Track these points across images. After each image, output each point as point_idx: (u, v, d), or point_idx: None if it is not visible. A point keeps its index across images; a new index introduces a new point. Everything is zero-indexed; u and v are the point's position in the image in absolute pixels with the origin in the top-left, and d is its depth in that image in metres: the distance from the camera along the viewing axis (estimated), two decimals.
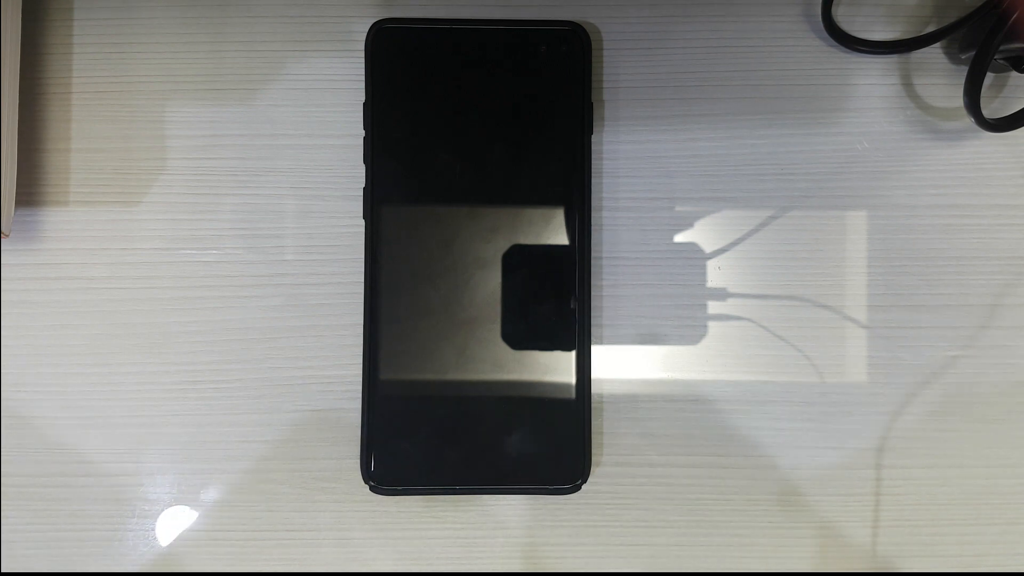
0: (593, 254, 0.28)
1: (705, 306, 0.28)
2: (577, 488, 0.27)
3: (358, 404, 0.27)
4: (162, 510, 0.28)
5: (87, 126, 0.28)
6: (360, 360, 0.27)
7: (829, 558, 0.28)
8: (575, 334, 0.27)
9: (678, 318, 0.28)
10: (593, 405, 0.28)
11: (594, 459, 0.28)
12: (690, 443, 0.28)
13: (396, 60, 0.27)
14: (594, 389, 0.28)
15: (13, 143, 0.27)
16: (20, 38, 0.27)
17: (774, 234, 0.29)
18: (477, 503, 0.28)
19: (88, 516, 0.28)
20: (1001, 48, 0.26)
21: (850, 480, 0.28)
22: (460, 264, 0.27)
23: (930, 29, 0.28)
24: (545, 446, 0.27)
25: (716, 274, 0.28)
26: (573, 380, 0.27)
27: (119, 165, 0.28)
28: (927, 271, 0.29)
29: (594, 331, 0.28)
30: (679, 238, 0.29)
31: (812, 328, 0.28)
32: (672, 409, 0.28)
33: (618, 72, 0.29)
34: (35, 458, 0.28)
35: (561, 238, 0.27)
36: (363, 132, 0.28)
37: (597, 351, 0.28)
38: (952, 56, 0.29)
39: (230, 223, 0.28)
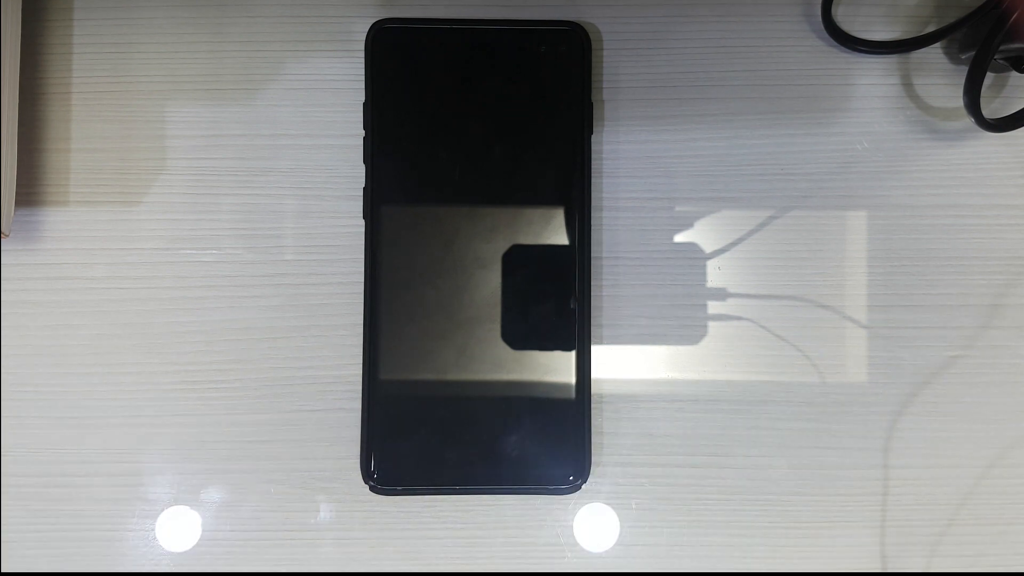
0: (593, 254, 0.28)
1: (705, 306, 0.28)
2: (577, 488, 0.27)
3: (358, 404, 0.27)
4: (162, 510, 0.28)
5: (87, 126, 0.28)
6: (360, 360, 0.27)
7: (829, 558, 0.28)
8: (575, 334, 0.27)
9: (678, 318, 0.28)
10: (593, 405, 0.28)
11: (594, 459, 0.28)
12: (690, 443, 0.28)
13: (396, 60, 0.27)
14: (594, 389, 0.28)
15: (13, 143, 0.27)
16: (20, 38, 0.27)
17: (774, 234, 0.29)
18: (477, 503, 0.28)
19: (88, 516, 0.28)
20: (1001, 48, 0.26)
21: (850, 480, 0.28)
22: (460, 264, 0.27)
23: (930, 29, 0.28)
24: (545, 446, 0.27)
25: (716, 274, 0.28)
26: (573, 380, 0.27)
27: (119, 165, 0.28)
28: (927, 271, 0.29)
29: (594, 331, 0.28)
30: (679, 238, 0.29)
31: (812, 328, 0.28)
32: (672, 409, 0.28)
33: (618, 72, 0.29)
34: (35, 458, 0.28)
35: (561, 238, 0.27)
36: (363, 132, 0.28)
37: (597, 351, 0.28)
38: (952, 56, 0.29)
39: (230, 223, 0.28)
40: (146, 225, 0.28)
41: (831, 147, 0.29)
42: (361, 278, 0.28)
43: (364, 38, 0.28)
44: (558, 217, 0.27)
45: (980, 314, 0.29)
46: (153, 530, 0.28)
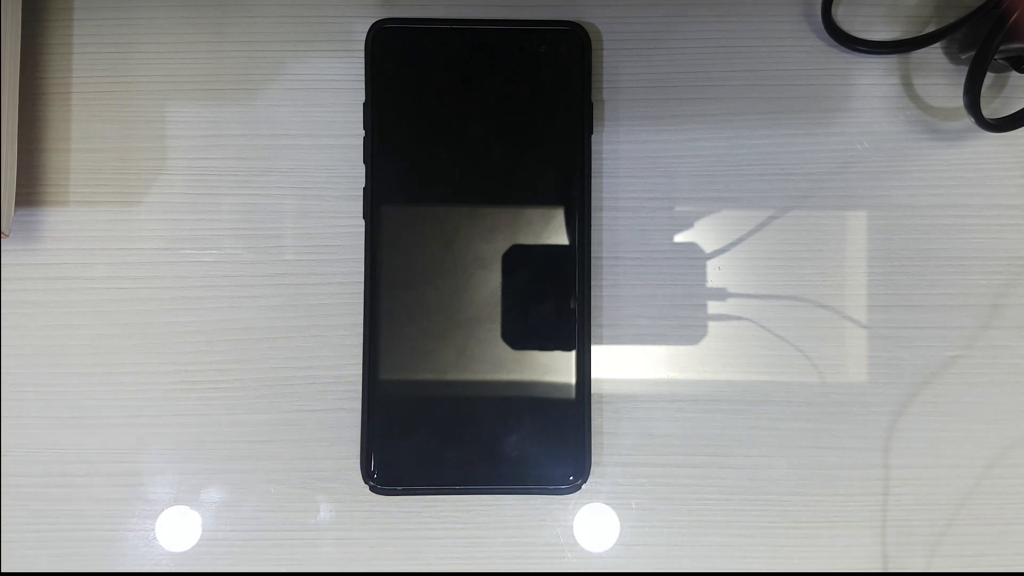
0: (593, 254, 0.28)
1: (705, 306, 0.28)
2: (577, 488, 0.27)
3: (358, 404, 0.27)
4: (162, 510, 0.28)
5: (87, 126, 0.28)
6: (360, 360, 0.27)
7: (829, 558, 0.28)
8: (575, 334, 0.27)
9: (678, 318, 0.28)
10: (593, 405, 0.28)
11: (594, 459, 0.28)
12: (690, 443, 0.28)
13: (396, 60, 0.27)
14: (594, 389, 0.28)
15: (13, 143, 0.27)
16: (20, 38, 0.27)
17: (774, 234, 0.29)
18: (477, 503, 0.28)
19: (88, 516, 0.28)
20: (1001, 48, 0.26)
21: (850, 480, 0.28)
22: (460, 264, 0.27)
23: (930, 29, 0.28)
24: (545, 446, 0.27)
25: (716, 274, 0.28)
26: (573, 380, 0.27)
27: (119, 165, 0.28)
28: (927, 271, 0.29)
29: (594, 331, 0.28)
30: (679, 238, 0.29)
31: (812, 328, 0.28)
32: (672, 409, 0.28)
33: (618, 72, 0.29)
34: (35, 458, 0.28)
35: (561, 238, 0.27)
36: (363, 132, 0.28)
37: (597, 351, 0.28)
38: (952, 56, 0.29)
39: (230, 223, 0.28)
40: (146, 225, 0.28)
41: (831, 147, 0.29)
42: (361, 278, 0.28)
43: (364, 38, 0.28)
44: (558, 217, 0.27)
45: (980, 314, 0.29)
46: (153, 530, 0.28)
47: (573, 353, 0.27)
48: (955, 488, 0.28)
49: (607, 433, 0.28)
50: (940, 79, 0.29)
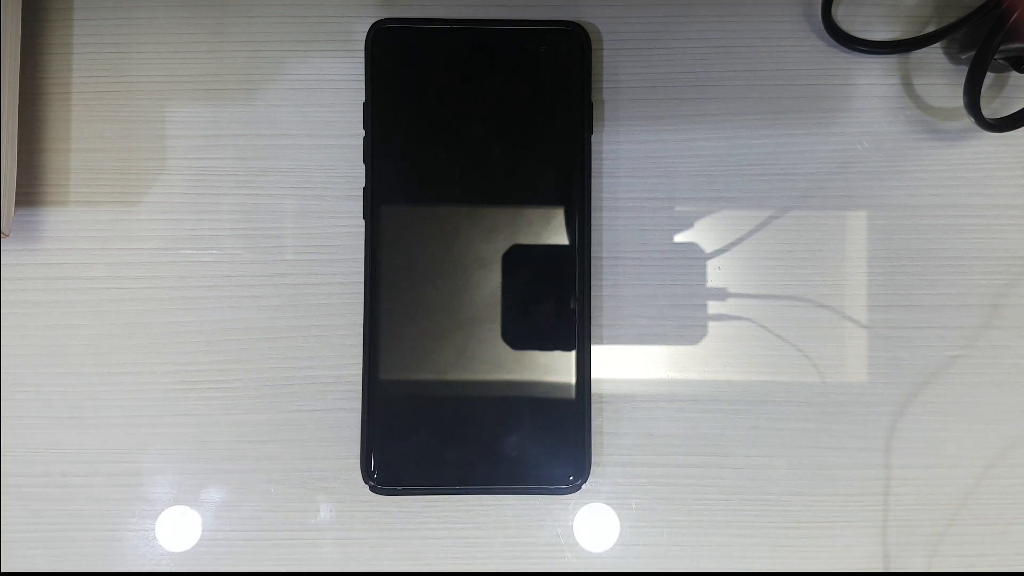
0: (593, 254, 0.28)
1: (705, 306, 0.28)
2: (577, 488, 0.27)
3: (358, 404, 0.27)
4: (162, 510, 0.28)
5: (87, 126, 0.28)
6: (360, 360, 0.27)
7: (829, 558, 0.28)
8: (575, 334, 0.27)
9: (678, 318, 0.28)
10: (593, 405, 0.28)
11: (594, 459, 0.28)
12: (690, 443, 0.28)
13: (396, 60, 0.27)
14: (594, 389, 0.28)
15: (13, 143, 0.27)
16: (20, 38, 0.27)
17: (774, 234, 0.29)
18: (477, 503, 0.28)
19: (88, 516, 0.28)
20: (1001, 48, 0.26)
21: (850, 480, 0.28)
22: (460, 264, 0.27)
23: (930, 29, 0.28)
24: (545, 446, 0.27)
25: (716, 274, 0.28)
26: (573, 380, 0.27)
27: (119, 165, 0.28)
28: (927, 271, 0.29)
29: (594, 331, 0.28)
30: (679, 238, 0.29)
31: (812, 328, 0.28)
32: (672, 409, 0.28)
33: (618, 72, 0.29)
34: (35, 458, 0.28)
35: (561, 238, 0.27)
36: (363, 132, 0.28)
37: (597, 351, 0.28)
38: (952, 56, 0.29)
39: (230, 223, 0.28)
40: (146, 225, 0.28)
41: (831, 147, 0.29)
42: (361, 278, 0.28)
43: (364, 38, 0.28)
44: (558, 217, 0.27)
45: (980, 314, 0.29)
46: (153, 530, 0.28)
47: (573, 353, 0.27)
48: (955, 488, 0.28)
49: (607, 433, 0.28)
50: (940, 79, 0.29)
